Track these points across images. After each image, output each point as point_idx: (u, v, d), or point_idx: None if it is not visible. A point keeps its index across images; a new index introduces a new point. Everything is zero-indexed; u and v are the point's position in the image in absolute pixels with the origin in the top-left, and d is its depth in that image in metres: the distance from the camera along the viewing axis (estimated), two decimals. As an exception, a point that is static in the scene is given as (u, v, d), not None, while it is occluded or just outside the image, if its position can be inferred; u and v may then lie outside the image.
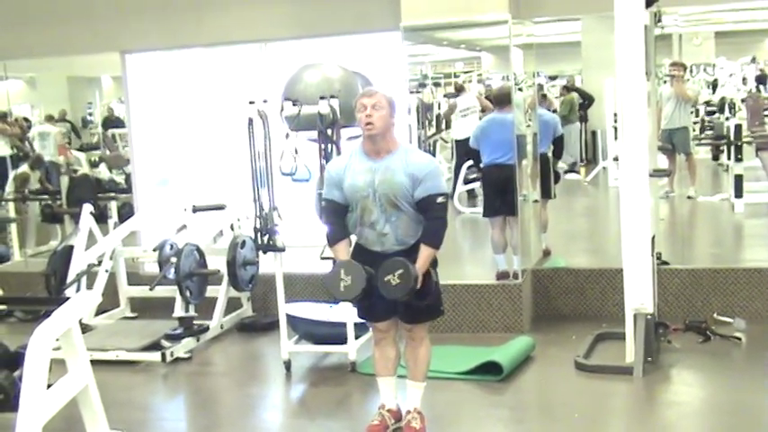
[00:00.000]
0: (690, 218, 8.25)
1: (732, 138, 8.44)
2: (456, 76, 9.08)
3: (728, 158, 8.58)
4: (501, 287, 5.79)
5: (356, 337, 5.14)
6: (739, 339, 5.24)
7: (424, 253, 3.77)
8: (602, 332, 5.40)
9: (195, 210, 6.21)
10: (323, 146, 4.88)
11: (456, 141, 8.45)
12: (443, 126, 9.10)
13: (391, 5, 5.87)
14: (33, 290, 6.73)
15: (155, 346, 5.62)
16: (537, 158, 6.48)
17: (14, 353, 3.79)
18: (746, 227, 8.23)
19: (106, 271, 6.37)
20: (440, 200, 3.79)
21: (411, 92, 6.33)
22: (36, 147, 8.72)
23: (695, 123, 9.46)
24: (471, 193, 8.22)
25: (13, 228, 8.15)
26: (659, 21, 6.10)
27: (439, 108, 9.36)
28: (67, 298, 3.73)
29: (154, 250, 6.25)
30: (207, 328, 5.95)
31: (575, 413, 4.39)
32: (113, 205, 7.28)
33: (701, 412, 4.47)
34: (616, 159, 6.87)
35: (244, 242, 6.15)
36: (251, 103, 5.16)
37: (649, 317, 4.88)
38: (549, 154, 6.75)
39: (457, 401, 4.60)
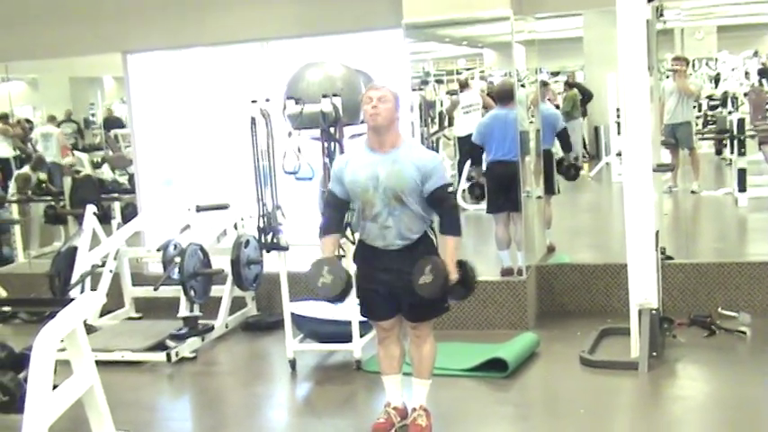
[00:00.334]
0: (693, 212, 8.24)
1: (735, 132, 8.44)
2: (458, 73, 9.06)
3: (732, 153, 8.56)
4: (505, 284, 5.79)
5: (361, 335, 5.14)
6: (744, 333, 5.24)
7: (450, 243, 3.83)
8: (606, 327, 5.40)
9: (199, 209, 6.21)
10: (326, 144, 4.88)
11: (459, 138, 8.43)
12: (446, 123, 9.07)
13: (393, 3, 5.87)
14: (37, 291, 6.74)
15: (160, 347, 5.63)
16: (540, 154, 6.47)
17: (20, 354, 3.81)
18: (750, 221, 8.22)
19: (110, 272, 6.36)
20: (450, 189, 3.91)
21: (413, 89, 6.33)
22: (39, 148, 8.72)
23: (698, 118, 9.42)
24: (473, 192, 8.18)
25: (17, 229, 8.14)
26: (661, 15, 6.10)
27: (441, 105, 9.33)
28: (72, 299, 3.74)
29: (158, 250, 6.26)
30: (212, 328, 5.95)
31: (580, 409, 4.38)
32: (117, 206, 7.29)
33: (706, 407, 4.46)
34: (619, 155, 6.85)
35: (248, 241, 6.16)
36: (253, 101, 5.15)
37: (654, 312, 4.87)
38: (554, 149, 6.73)
39: (462, 398, 4.61)
